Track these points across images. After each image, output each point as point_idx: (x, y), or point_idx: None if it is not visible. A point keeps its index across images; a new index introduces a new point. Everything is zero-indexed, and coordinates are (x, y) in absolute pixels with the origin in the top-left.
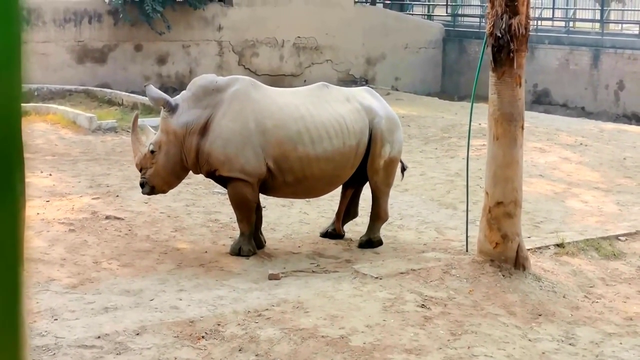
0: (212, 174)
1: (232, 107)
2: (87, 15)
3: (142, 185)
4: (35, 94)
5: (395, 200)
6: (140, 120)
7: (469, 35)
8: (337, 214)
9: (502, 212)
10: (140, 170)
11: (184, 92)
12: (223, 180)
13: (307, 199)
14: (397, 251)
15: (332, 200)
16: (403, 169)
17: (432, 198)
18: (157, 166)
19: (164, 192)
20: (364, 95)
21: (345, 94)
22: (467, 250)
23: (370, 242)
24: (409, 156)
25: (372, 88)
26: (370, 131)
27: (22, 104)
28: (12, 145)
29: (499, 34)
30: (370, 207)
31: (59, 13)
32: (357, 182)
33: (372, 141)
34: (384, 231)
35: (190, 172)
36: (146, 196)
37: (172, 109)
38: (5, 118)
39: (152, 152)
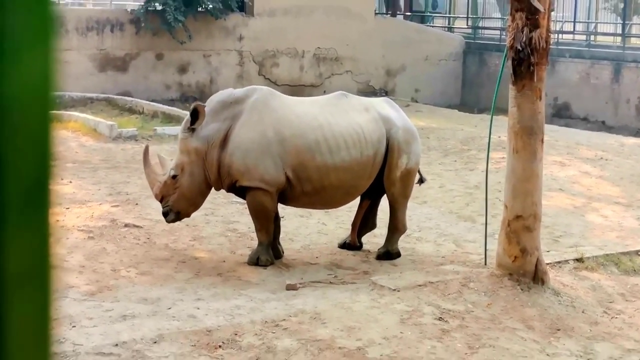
0: (233, 187)
1: (251, 117)
2: (110, 24)
3: (166, 214)
4: (57, 101)
5: (414, 212)
6: (160, 129)
7: (490, 48)
8: (353, 225)
9: (521, 225)
10: (161, 200)
11: None
12: (243, 192)
13: (325, 210)
14: (415, 263)
15: (350, 211)
16: (421, 181)
17: (451, 210)
18: (182, 189)
19: (189, 215)
20: (382, 105)
21: (364, 103)
22: (485, 264)
23: (388, 253)
24: (428, 168)
25: (391, 99)
26: (387, 141)
27: (53, 112)
28: (46, 154)
29: (519, 47)
30: (388, 218)
31: (81, 21)
32: (375, 193)
33: (389, 152)
34: (402, 243)
35: None
36: None
37: (193, 127)
38: (40, 129)
39: (174, 177)
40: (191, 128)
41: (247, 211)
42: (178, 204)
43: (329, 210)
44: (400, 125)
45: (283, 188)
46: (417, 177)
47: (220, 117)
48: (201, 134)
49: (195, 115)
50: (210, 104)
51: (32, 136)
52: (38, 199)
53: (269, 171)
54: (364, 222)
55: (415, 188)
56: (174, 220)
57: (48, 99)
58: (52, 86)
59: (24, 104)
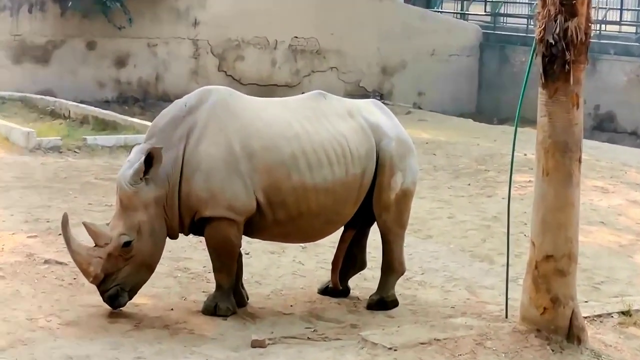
0: (192, 223)
1: (208, 127)
2: (27, 3)
3: (114, 297)
4: None
5: (416, 250)
6: (91, 138)
7: (513, 41)
8: (334, 263)
9: (552, 268)
10: (103, 281)
11: (141, 146)
12: (202, 226)
13: (301, 244)
14: (416, 315)
15: (334, 246)
16: None
17: (463, 248)
18: (140, 257)
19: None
20: (370, 109)
21: (347, 106)
22: (506, 317)
23: (383, 302)
24: (434, 194)
25: (387, 104)
26: (377, 156)
27: None
28: None
29: (551, 40)
30: (382, 255)
31: None
32: (362, 221)
33: (380, 169)
34: (401, 289)
35: None
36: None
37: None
38: None
39: (128, 244)
40: (145, 178)
41: (203, 244)
42: (132, 278)
43: (307, 244)
44: (393, 135)
45: (251, 217)
46: None
47: (174, 139)
48: (160, 175)
49: (150, 162)
50: (155, 129)
51: None
52: None
53: (238, 196)
54: (350, 259)
55: (418, 219)
56: (124, 304)
57: None
58: None
59: None
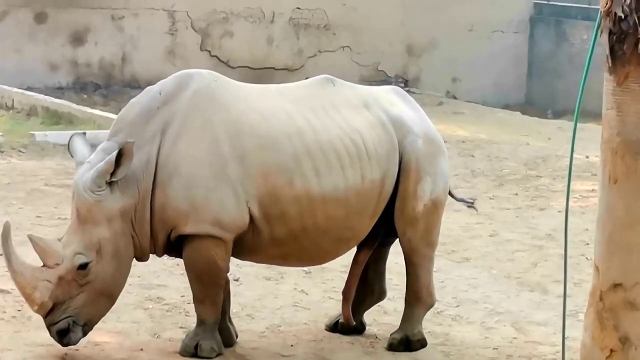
0: (167, 242)
1: (189, 122)
2: None
3: (65, 332)
4: None
5: (449, 276)
6: (40, 134)
7: (572, 14)
8: (345, 292)
9: (621, 300)
10: (51, 311)
11: (105, 144)
12: (180, 245)
13: (305, 267)
14: (449, 358)
15: (346, 271)
16: (469, 205)
17: (509, 274)
18: (99, 283)
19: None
20: (391, 99)
21: (363, 95)
22: None
23: (407, 341)
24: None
25: (414, 94)
26: (400, 158)
27: None
28: None
29: (620, 13)
30: (405, 283)
31: None
32: (380, 240)
33: (403, 174)
34: (430, 324)
35: None
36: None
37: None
38: None
39: (84, 266)
40: (110, 182)
41: (181, 268)
42: (88, 309)
43: (311, 268)
44: (420, 131)
45: (242, 234)
46: (453, 199)
47: (146, 136)
48: (126, 181)
49: (119, 162)
50: (128, 118)
51: None
52: None
53: (226, 208)
54: (366, 288)
55: (452, 237)
56: (77, 341)
57: None
58: None
59: None
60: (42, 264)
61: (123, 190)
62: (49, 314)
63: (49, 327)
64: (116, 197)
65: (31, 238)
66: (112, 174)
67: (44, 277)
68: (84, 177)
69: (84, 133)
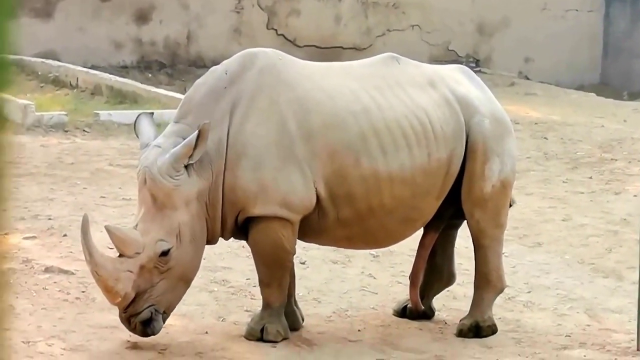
0: (235, 226)
1: (256, 102)
2: None
3: (148, 322)
4: None
5: (521, 261)
6: (105, 113)
7: None
8: (412, 277)
9: None
10: (133, 301)
11: (174, 127)
12: (245, 227)
13: (372, 250)
14: (521, 345)
15: (413, 254)
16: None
17: (582, 259)
18: (179, 268)
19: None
20: (457, 77)
21: (428, 74)
22: (638, 349)
23: (477, 327)
24: (544, 189)
25: (485, 74)
26: (466, 138)
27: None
28: None
29: None
30: (474, 267)
31: None
32: (446, 222)
33: (470, 154)
34: (501, 310)
35: None
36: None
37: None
38: None
39: (166, 252)
40: (188, 165)
41: (246, 251)
42: (168, 296)
43: (379, 250)
44: (486, 111)
45: (308, 215)
46: None
47: (216, 117)
48: (201, 163)
49: (197, 142)
50: (196, 98)
51: None
52: None
53: (295, 188)
54: (434, 272)
55: (524, 221)
56: (159, 330)
57: None
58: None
59: None
60: (118, 254)
61: (199, 173)
62: (130, 305)
63: (128, 318)
64: (193, 180)
65: (108, 228)
66: (190, 157)
67: (126, 268)
68: (158, 162)
69: (152, 113)
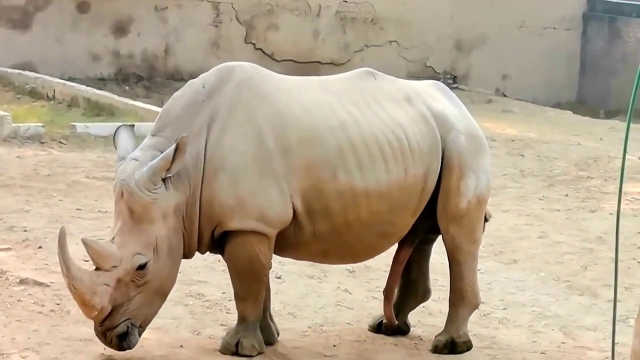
0: (211, 240)
1: (233, 116)
2: None
3: (124, 336)
4: None
5: (496, 278)
6: (81, 126)
7: (626, 11)
8: (386, 291)
9: None
10: (109, 315)
11: (151, 140)
12: (222, 242)
13: (347, 264)
14: None
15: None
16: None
17: (558, 277)
18: (156, 282)
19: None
20: (432, 94)
21: (404, 89)
22: None
23: (452, 343)
24: (520, 206)
25: (463, 91)
26: (442, 154)
27: None
28: None
29: None
30: (449, 282)
31: None
32: (421, 237)
33: (446, 170)
34: (476, 327)
35: None
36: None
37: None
38: None
39: (143, 266)
40: (166, 178)
41: (222, 264)
42: (145, 309)
43: (354, 265)
44: (462, 127)
45: (284, 229)
46: None
47: (194, 130)
48: (178, 176)
49: (175, 155)
50: (174, 111)
51: None
52: None
53: (272, 203)
54: (409, 287)
55: (500, 238)
56: (135, 344)
57: None
58: None
59: None
60: (95, 267)
61: (176, 187)
62: (107, 319)
63: (104, 332)
64: (170, 193)
65: (85, 241)
66: (167, 170)
67: (103, 281)
68: (136, 175)
69: (132, 125)
